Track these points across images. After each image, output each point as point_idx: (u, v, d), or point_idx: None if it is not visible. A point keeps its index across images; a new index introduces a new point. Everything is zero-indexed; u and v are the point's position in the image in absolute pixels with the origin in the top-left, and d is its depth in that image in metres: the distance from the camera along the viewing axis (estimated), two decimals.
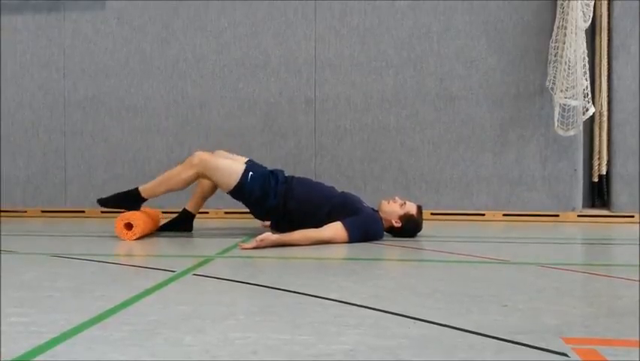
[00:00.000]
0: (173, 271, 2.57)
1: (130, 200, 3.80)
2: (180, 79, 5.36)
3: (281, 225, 3.76)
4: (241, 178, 3.73)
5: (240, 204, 3.95)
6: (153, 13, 5.38)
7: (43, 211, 5.51)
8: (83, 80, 5.48)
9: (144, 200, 3.84)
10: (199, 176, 3.80)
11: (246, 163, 3.85)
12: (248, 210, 3.97)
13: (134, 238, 3.63)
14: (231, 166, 3.79)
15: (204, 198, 4.11)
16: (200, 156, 3.78)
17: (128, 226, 3.64)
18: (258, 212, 3.91)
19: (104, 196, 3.95)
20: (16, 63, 5.57)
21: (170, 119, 5.37)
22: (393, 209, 3.71)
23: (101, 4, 5.44)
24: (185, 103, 5.36)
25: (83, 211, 5.44)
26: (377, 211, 3.73)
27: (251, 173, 3.76)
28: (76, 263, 2.88)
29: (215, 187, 4.07)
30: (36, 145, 5.55)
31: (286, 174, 3.93)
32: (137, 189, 3.83)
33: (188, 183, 3.82)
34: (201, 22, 5.32)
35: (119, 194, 3.84)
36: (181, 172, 3.77)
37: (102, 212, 5.38)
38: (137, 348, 1.52)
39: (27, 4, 5.54)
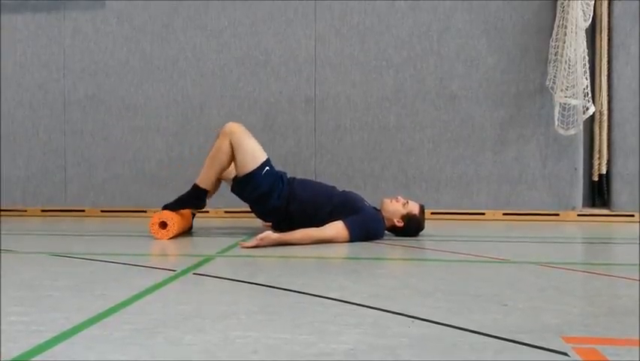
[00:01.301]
0: (174, 271, 2.57)
1: (195, 199, 3.75)
2: (180, 78, 5.36)
3: (282, 225, 3.75)
4: (258, 168, 3.69)
5: (241, 202, 3.93)
6: (153, 12, 5.38)
7: (43, 210, 5.51)
8: (82, 80, 5.48)
9: (207, 192, 3.78)
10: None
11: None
12: (249, 209, 3.96)
13: (169, 237, 3.62)
14: (256, 150, 3.73)
15: None
16: (231, 126, 3.70)
17: (163, 225, 3.63)
18: (259, 211, 3.89)
19: (169, 202, 3.80)
20: (16, 62, 5.57)
21: (170, 119, 5.37)
22: (395, 208, 3.70)
23: (101, 4, 5.44)
24: (185, 102, 5.35)
25: (83, 210, 5.45)
26: (379, 210, 3.72)
27: (267, 168, 3.73)
28: (76, 262, 2.88)
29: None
30: (36, 144, 5.55)
31: (288, 176, 3.92)
32: (195, 185, 3.75)
33: (230, 154, 3.69)
34: (201, 22, 5.32)
35: (181, 198, 3.76)
36: (220, 147, 3.69)
37: (102, 211, 5.41)
38: (137, 347, 1.52)
39: (27, 3, 5.54)
